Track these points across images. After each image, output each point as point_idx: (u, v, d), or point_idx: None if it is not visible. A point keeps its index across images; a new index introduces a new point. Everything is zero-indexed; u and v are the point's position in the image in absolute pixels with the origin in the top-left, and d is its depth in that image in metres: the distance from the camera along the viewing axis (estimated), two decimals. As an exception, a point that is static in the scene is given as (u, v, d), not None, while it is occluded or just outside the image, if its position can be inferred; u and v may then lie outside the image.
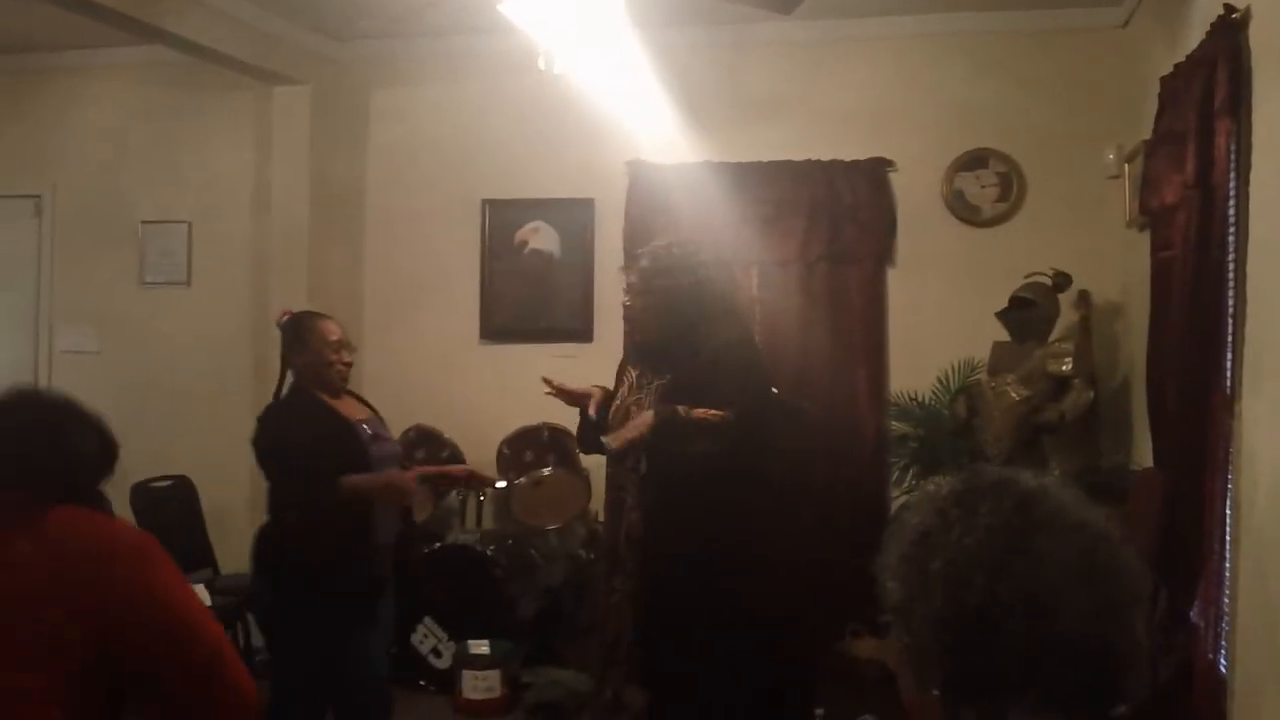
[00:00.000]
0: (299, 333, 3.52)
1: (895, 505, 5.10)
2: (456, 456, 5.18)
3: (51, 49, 5.96)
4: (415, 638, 4.97)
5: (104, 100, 6.04)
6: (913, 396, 5.10)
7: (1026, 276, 4.83)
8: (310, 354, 3.50)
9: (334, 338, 3.52)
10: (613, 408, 3.52)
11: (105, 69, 6.00)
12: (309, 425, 3.40)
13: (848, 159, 5.28)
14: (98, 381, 5.48)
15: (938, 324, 5.22)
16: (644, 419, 3.28)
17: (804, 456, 4.55)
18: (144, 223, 5.95)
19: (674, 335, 3.39)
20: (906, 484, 4.93)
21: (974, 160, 5.25)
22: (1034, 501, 1.17)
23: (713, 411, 3.20)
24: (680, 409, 3.25)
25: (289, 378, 3.57)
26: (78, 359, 5.96)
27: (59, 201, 6.09)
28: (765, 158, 5.33)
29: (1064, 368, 4.59)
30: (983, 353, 4.93)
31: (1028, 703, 1.11)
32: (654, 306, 3.41)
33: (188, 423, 5.73)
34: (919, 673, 1.18)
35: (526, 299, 5.61)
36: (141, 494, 5.09)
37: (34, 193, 6.12)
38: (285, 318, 3.61)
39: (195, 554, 5.18)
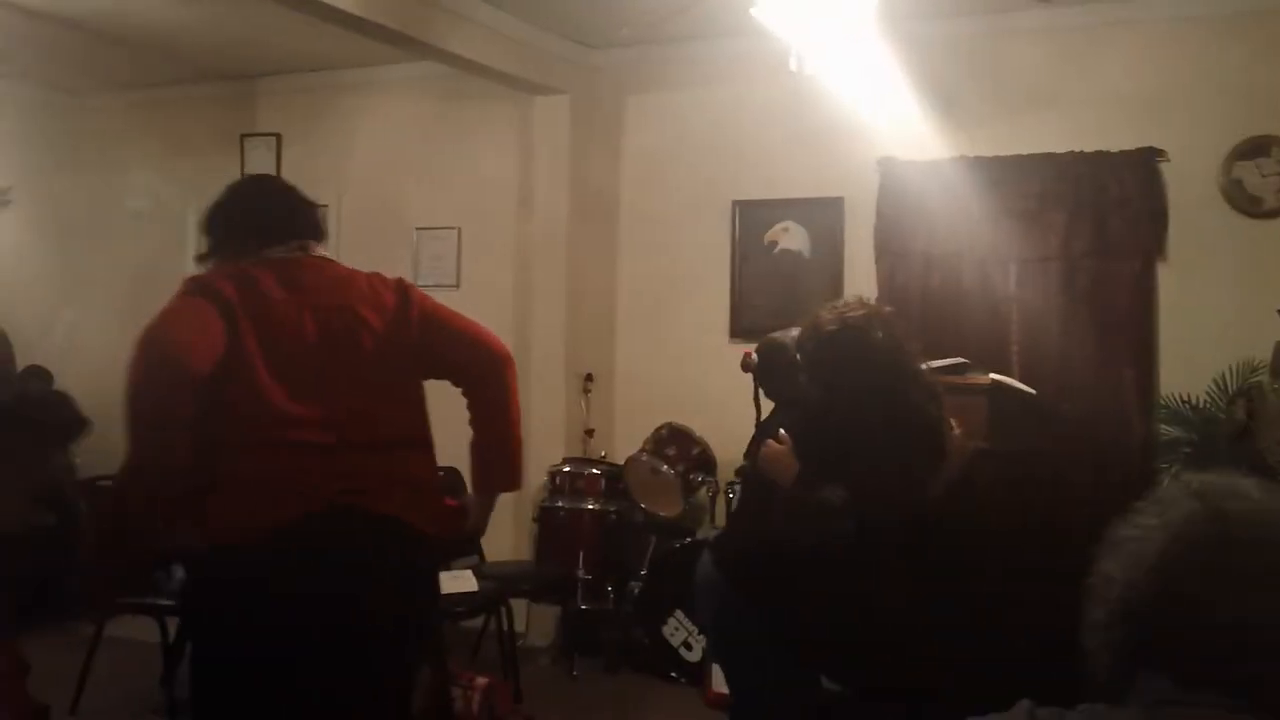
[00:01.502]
0: (784, 361, 3.25)
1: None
2: (707, 454, 5.29)
3: (336, 67, 6.44)
4: (667, 630, 5.10)
5: (382, 114, 6.48)
6: (1185, 399, 4.83)
7: (1315, 271, 4.50)
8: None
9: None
10: None
11: (384, 85, 6.44)
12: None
13: (1114, 150, 5.04)
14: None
15: (1213, 322, 4.92)
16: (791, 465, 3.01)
17: (1062, 461, 4.39)
18: (418, 229, 6.36)
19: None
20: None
21: (1255, 148, 4.91)
22: (1227, 503, 1.18)
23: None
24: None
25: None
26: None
27: (344, 210, 6.59)
28: (1024, 151, 5.15)
29: (1359, 370, 4.26)
30: (1264, 353, 4.61)
31: (1210, 693, 1.12)
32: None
33: (457, 417, 6.03)
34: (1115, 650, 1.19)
35: (776, 298, 5.63)
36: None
37: (324, 202, 6.62)
38: (752, 354, 3.41)
39: (463, 541, 5.46)
